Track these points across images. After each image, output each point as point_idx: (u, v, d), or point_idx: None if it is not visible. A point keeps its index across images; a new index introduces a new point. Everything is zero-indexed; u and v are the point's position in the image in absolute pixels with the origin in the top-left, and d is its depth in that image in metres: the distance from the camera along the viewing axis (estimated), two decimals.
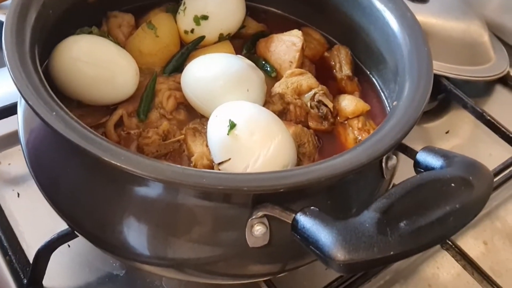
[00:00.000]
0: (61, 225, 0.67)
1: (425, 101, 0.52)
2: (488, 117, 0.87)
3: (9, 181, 0.74)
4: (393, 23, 0.63)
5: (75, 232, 0.58)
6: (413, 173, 0.52)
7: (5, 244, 0.66)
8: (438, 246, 0.74)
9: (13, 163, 0.76)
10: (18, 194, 0.73)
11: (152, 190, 0.49)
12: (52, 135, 0.52)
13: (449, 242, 0.73)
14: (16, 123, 0.76)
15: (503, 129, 0.86)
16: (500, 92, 1.02)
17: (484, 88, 1.01)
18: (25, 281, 0.63)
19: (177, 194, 0.48)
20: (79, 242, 0.66)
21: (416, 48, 0.59)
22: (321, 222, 0.41)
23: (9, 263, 0.65)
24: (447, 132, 0.92)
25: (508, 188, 0.83)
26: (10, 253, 0.66)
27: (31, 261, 0.65)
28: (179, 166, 0.46)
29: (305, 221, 0.42)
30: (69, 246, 0.67)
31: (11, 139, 0.78)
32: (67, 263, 0.67)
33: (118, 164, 0.43)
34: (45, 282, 0.64)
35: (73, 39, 0.62)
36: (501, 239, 0.79)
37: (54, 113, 0.46)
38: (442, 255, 0.74)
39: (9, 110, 0.76)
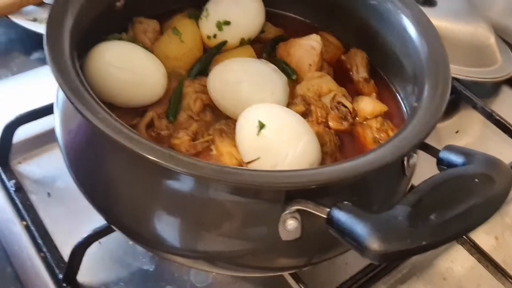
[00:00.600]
0: (91, 223, 0.71)
1: (445, 102, 0.55)
2: (497, 117, 0.90)
3: (40, 182, 0.77)
4: (410, 27, 0.66)
5: (112, 226, 0.61)
6: (431, 171, 0.56)
7: (40, 242, 0.69)
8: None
9: (41, 164, 0.79)
10: (49, 194, 0.76)
11: (188, 186, 0.52)
12: (93, 135, 0.55)
13: (464, 237, 0.76)
14: (41, 126, 0.81)
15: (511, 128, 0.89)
16: (506, 93, 1.05)
17: (491, 89, 1.05)
18: (61, 276, 0.66)
19: (212, 190, 0.51)
20: (110, 239, 0.69)
21: (434, 52, 0.62)
22: (356, 215, 0.44)
23: (44, 260, 0.68)
24: (457, 132, 0.96)
25: None
26: (44, 250, 0.69)
27: (64, 257, 0.68)
28: (217, 164, 0.49)
29: (340, 214, 0.45)
30: (100, 243, 0.70)
31: (38, 141, 0.81)
32: (99, 259, 0.70)
33: (163, 162, 0.46)
34: (78, 277, 0.67)
35: (105, 45, 0.65)
36: (511, 234, 0.82)
37: (100, 115, 0.48)
38: (456, 249, 0.77)
39: (36, 114, 0.78)
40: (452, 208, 0.44)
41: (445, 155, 0.52)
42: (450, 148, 0.52)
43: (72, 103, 0.49)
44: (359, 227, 0.42)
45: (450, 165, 0.51)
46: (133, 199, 0.55)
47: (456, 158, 0.51)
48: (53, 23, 0.57)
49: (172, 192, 0.52)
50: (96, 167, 0.57)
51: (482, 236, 0.80)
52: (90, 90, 0.52)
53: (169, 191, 0.52)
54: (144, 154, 0.46)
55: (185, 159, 0.47)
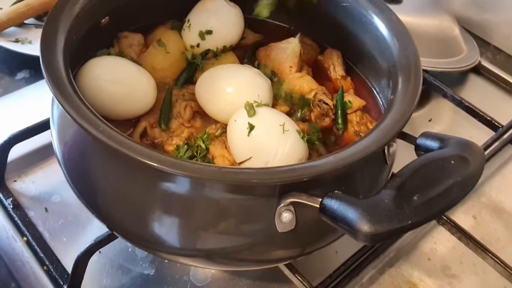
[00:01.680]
0: (89, 233, 0.73)
1: (418, 93, 0.60)
2: (467, 104, 0.96)
3: (36, 198, 0.79)
4: (381, 26, 0.71)
5: (114, 232, 0.64)
6: (410, 158, 0.61)
7: (42, 255, 0.71)
8: (434, 222, 0.82)
9: (36, 181, 0.81)
10: (46, 209, 0.78)
11: (186, 188, 0.55)
12: (92, 146, 0.58)
13: (444, 217, 0.81)
14: (32, 144, 0.83)
15: (481, 113, 0.95)
16: (473, 80, 1.11)
17: (459, 78, 1.11)
18: (65, 287, 0.68)
19: (210, 190, 0.55)
20: (109, 248, 0.72)
21: (404, 47, 0.66)
22: (346, 202, 0.48)
23: (48, 273, 0.70)
24: (430, 120, 1.01)
25: (490, 166, 0.92)
26: (47, 263, 0.71)
27: (67, 269, 0.71)
28: (215, 165, 0.52)
29: (332, 202, 0.49)
30: (100, 252, 0.73)
31: (30, 159, 0.83)
32: (100, 268, 0.73)
33: (166, 168, 0.49)
34: (82, 287, 0.69)
35: (95, 61, 0.67)
36: (488, 213, 0.87)
37: (101, 128, 0.51)
38: (438, 230, 0.82)
39: (28, 133, 0.80)
40: (432, 189, 0.48)
41: (422, 141, 0.57)
42: (426, 135, 0.57)
43: (73, 118, 0.51)
44: (350, 213, 0.46)
45: (427, 150, 0.56)
46: (133, 204, 0.58)
47: (433, 143, 0.56)
48: (46, 42, 0.60)
49: (171, 194, 0.55)
50: (95, 177, 0.59)
51: (461, 216, 0.85)
52: (88, 104, 0.55)
53: (167, 194, 0.55)
54: (148, 162, 0.49)
55: (184, 163, 0.51)
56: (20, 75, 0.97)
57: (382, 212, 0.46)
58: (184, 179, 0.54)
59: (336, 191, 0.50)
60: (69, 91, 0.55)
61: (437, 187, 0.48)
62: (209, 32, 0.76)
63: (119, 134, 0.52)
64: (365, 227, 0.46)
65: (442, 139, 0.56)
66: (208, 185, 0.54)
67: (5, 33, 0.99)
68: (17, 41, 0.98)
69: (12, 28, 1.00)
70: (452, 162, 0.50)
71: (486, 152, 0.89)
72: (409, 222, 0.46)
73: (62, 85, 0.55)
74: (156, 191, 0.56)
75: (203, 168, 0.50)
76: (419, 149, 0.57)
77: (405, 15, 1.02)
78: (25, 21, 1.02)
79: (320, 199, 0.50)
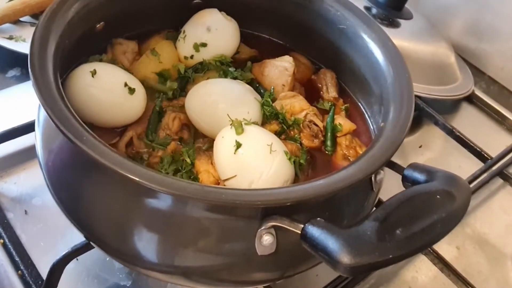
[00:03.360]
0: (68, 240, 0.72)
1: (409, 124, 0.60)
2: (458, 133, 0.96)
3: (16, 200, 0.78)
4: (376, 52, 0.70)
5: (91, 243, 0.63)
6: (397, 185, 0.60)
7: (17, 259, 0.70)
8: None
9: (18, 182, 0.80)
10: (26, 211, 0.76)
11: (167, 204, 0.54)
12: (74, 154, 0.57)
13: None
14: (18, 145, 0.82)
15: (470, 143, 0.95)
16: (466, 109, 1.11)
17: (452, 105, 1.11)
18: None
19: (191, 208, 0.54)
20: (87, 256, 0.70)
21: (399, 75, 0.66)
22: (328, 231, 0.47)
23: (22, 277, 0.69)
24: (420, 147, 1.01)
25: (477, 197, 0.92)
26: (22, 268, 0.69)
27: (41, 275, 0.69)
28: (197, 183, 0.51)
29: (314, 230, 0.48)
30: (77, 259, 0.71)
31: (14, 160, 0.82)
32: (76, 276, 0.71)
33: (146, 183, 0.48)
34: None
35: (86, 66, 0.66)
36: (472, 244, 0.87)
37: (84, 138, 0.50)
38: (421, 259, 0.82)
39: (14, 133, 0.79)
40: (416, 223, 0.48)
41: (409, 172, 0.56)
42: (413, 166, 0.56)
43: (56, 125, 0.50)
44: (331, 242, 0.46)
45: (414, 182, 0.55)
46: (112, 216, 0.57)
47: (420, 176, 0.55)
48: (37, 44, 0.59)
49: (151, 209, 0.54)
50: (77, 187, 0.58)
51: (444, 247, 0.84)
52: (73, 112, 0.54)
53: (148, 209, 0.55)
54: (128, 175, 0.48)
55: (166, 179, 0.50)
56: (11, 73, 0.96)
57: (364, 244, 0.45)
58: (165, 195, 0.53)
59: (319, 219, 0.49)
60: (55, 97, 0.54)
61: (421, 222, 0.47)
62: (204, 44, 0.76)
63: (102, 145, 0.51)
64: (345, 258, 0.45)
65: (429, 172, 0.55)
66: (189, 203, 0.53)
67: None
68: (11, 38, 0.97)
69: (7, 25, 0.99)
70: (438, 197, 0.50)
71: (474, 183, 0.89)
72: (390, 256, 0.45)
73: (49, 90, 0.54)
74: (136, 204, 0.55)
75: (185, 186, 0.49)
76: (406, 180, 0.56)
77: (402, 40, 1.04)
78: (21, 19, 1.01)
79: (302, 226, 0.50)
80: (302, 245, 0.50)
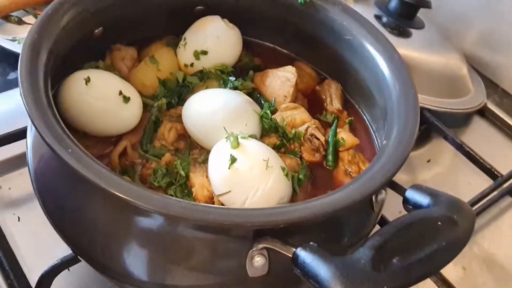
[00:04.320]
0: (61, 249, 0.70)
1: (412, 144, 0.57)
2: (467, 149, 0.92)
3: (10, 205, 0.76)
4: (382, 64, 0.68)
5: (78, 257, 0.61)
6: (400, 206, 0.57)
7: (7, 268, 0.68)
8: None
9: (13, 188, 0.78)
10: (19, 218, 0.75)
11: (156, 222, 0.52)
12: (62, 166, 0.55)
13: None
14: (16, 149, 0.80)
15: (481, 160, 0.91)
16: (477, 123, 1.07)
17: (463, 119, 1.07)
18: None
19: (180, 226, 0.52)
20: (79, 267, 0.68)
21: (404, 91, 0.63)
22: (320, 258, 0.44)
23: (11, 287, 0.67)
24: (428, 161, 0.97)
25: (485, 216, 0.89)
26: (11, 277, 0.67)
27: (32, 285, 0.67)
28: (185, 201, 0.49)
29: (305, 256, 0.45)
30: (69, 270, 0.69)
31: (11, 164, 0.80)
32: (67, 286, 0.70)
33: (132, 200, 0.46)
34: None
35: (80, 73, 0.65)
36: (479, 265, 0.84)
37: (70, 150, 0.49)
38: (424, 281, 0.78)
39: (11, 137, 0.78)
40: (414, 252, 0.45)
41: (411, 194, 0.53)
42: (416, 188, 0.54)
43: (40, 134, 0.49)
44: (323, 270, 0.43)
45: (416, 205, 0.52)
46: (101, 232, 0.55)
47: (422, 199, 0.52)
48: (28, 50, 0.57)
49: (141, 227, 0.53)
50: (64, 198, 0.56)
51: (449, 267, 0.79)
52: (61, 122, 0.52)
53: (138, 226, 0.53)
54: (113, 192, 0.46)
55: (153, 196, 0.48)
56: (13, 75, 0.95)
57: (357, 273, 0.43)
58: (153, 213, 0.51)
59: (311, 243, 0.47)
60: (42, 105, 0.52)
61: (420, 251, 0.45)
62: (205, 52, 0.73)
63: (87, 157, 0.49)
64: None
65: (432, 195, 0.52)
66: (180, 221, 0.51)
67: (3, 30, 0.97)
68: (14, 40, 0.96)
69: (10, 26, 0.98)
70: (440, 223, 0.47)
71: (482, 202, 0.86)
72: (385, 287, 0.42)
73: (36, 98, 0.52)
74: (123, 220, 0.53)
75: (172, 204, 0.47)
76: (407, 203, 0.54)
77: (413, 50, 1.00)
78: (26, 21, 1.00)
79: (294, 249, 0.47)
80: (293, 270, 0.47)
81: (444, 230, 0.47)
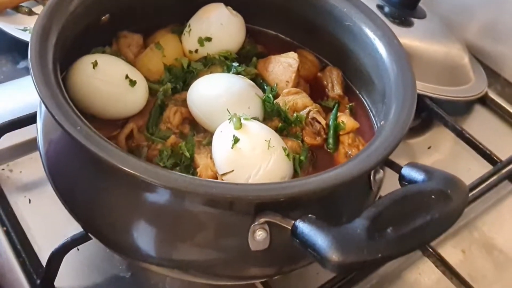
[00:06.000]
0: (70, 229, 0.72)
1: (409, 123, 0.58)
2: (467, 135, 0.94)
3: (21, 188, 0.79)
4: (381, 49, 0.69)
5: (89, 234, 0.63)
6: (398, 186, 0.59)
7: (19, 247, 0.71)
8: (420, 253, 0.80)
9: (24, 171, 0.81)
10: (30, 200, 0.77)
11: (163, 198, 0.54)
12: (72, 145, 0.57)
13: (430, 250, 0.79)
14: (26, 134, 0.83)
15: (480, 146, 0.93)
16: (478, 111, 1.09)
17: (464, 107, 1.08)
18: (38, 281, 0.68)
19: (186, 201, 0.54)
20: (88, 246, 0.71)
21: (402, 74, 0.65)
22: (318, 228, 0.46)
23: (23, 265, 0.70)
24: (429, 148, 0.99)
25: (485, 200, 0.90)
26: (23, 255, 0.70)
27: (42, 263, 0.70)
28: (190, 176, 0.51)
29: (304, 227, 0.47)
30: (78, 249, 0.72)
31: (22, 148, 0.83)
32: (77, 265, 0.72)
33: (138, 174, 0.48)
34: (56, 283, 0.69)
35: (88, 58, 0.67)
36: (478, 248, 0.85)
37: (79, 127, 0.51)
38: (424, 262, 0.80)
39: (21, 123, 0.80)
40: (408, 223, 0.47)
41: (407, 171, 0.55)
42: (412, 165, 0.55)
43: (51, 114, 0.51)
44: (320, 239, 0.45)
45: (411, 181, 0.54)
46: (111, 209, 0.57)
47: (417, 175, 0.54)
48: (37, 35, 0.59)
49: (149, 203, 0.55)
50: (75, 178, 0.59)
51: (449, 250, 0.83)
52: (70, 102, 0.54)
53: (146, 202, 0.55)
54: (120, 166, 0.48)
55: (159, 171, 0.50)
56: (23, 64, 0.97)
57: (353, 242, 0.45)
58: (160, 188, 0.53)
59: (310, 215, 0.49)
60: (52, 87, 0.54)
61: (413, 222, 0.47)
62: (209, 39, 0.75)
63: (96, 135, 0.51)
64: (333, 256, 0.44)
65: (427, 172, 0.54)
66: (186, 197, 0.53)
67: (13, 20, 0.99)
68: (25, 29, 0.98)
69: (20, 17, 1.01)
70: (433, 197, 0.49)
71: (482, 186, 0.87)
72: (379, 255, 0.44)
73: (46, 81, 0.54)
74: (134, 198, 0.55)
75: (176, 178, 0.49)
76: (403, 179, 0.55)
77: (415, 39, 1.02)
78: (36, 11, 1.03)
79: (293, 222, 0.49)
80: (293, 242, 0.49)
81: (438, 202, 0.48)
